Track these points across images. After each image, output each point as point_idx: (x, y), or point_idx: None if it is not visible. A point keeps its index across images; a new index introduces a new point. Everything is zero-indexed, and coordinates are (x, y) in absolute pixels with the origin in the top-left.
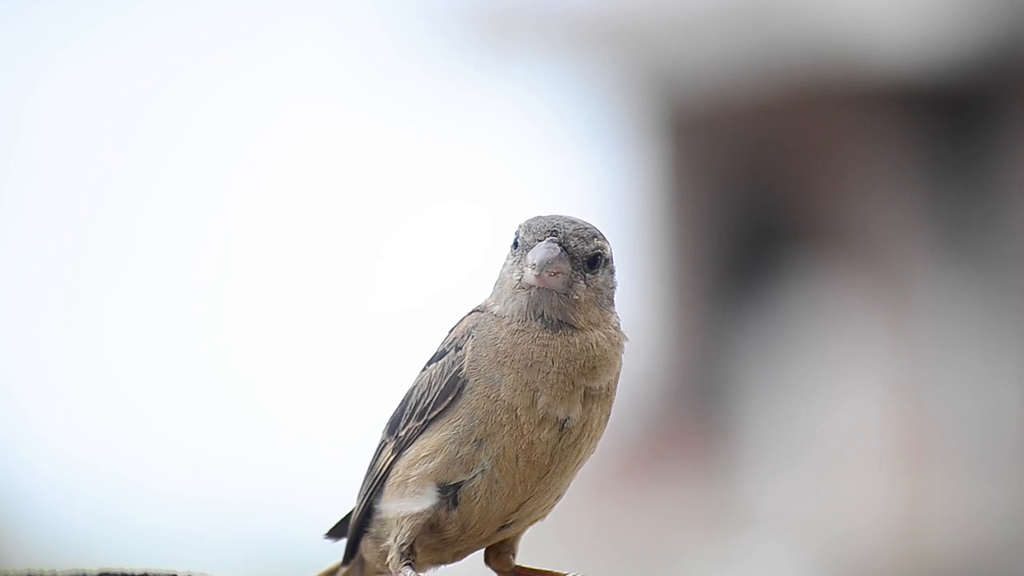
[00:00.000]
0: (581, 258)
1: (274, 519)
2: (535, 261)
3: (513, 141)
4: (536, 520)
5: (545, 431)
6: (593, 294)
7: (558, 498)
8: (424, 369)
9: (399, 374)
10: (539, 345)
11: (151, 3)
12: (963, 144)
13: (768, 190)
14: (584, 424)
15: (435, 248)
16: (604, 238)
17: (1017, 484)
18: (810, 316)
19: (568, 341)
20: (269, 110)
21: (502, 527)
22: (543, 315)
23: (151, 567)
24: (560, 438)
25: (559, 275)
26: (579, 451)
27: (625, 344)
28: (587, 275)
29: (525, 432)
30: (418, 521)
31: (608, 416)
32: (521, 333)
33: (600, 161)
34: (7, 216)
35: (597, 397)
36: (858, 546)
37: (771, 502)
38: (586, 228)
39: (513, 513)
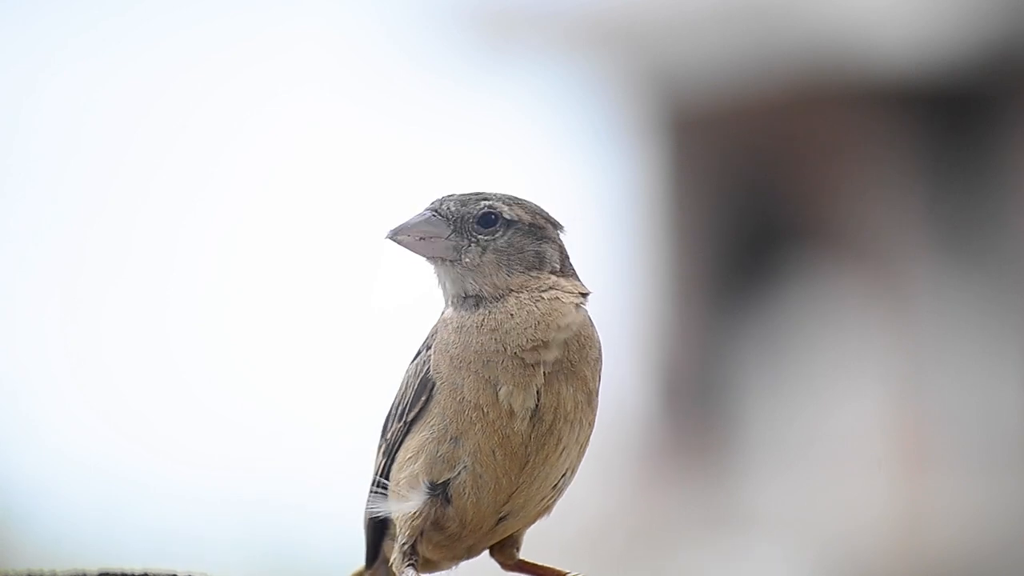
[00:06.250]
0: (465, 220)
1: (275, 518)
2: (392, 227)
3: (513, 141)
4: (538, 514)
5: (516, 423)
6: (494, 256)
7: (556, 488)
8: (406, 370)
9: (398, 373)
10: (486, 334)
11: (150, 3)
12: (963, 144)
13: (768, 190)
14: (555, 408)
15: None
16: (510, 202)
17: (1017, 484)
18: (810, 316)
19: (507, 314)
20: (269, 110)
21: (501, 519)
22: (450, 291)
23: (151, 567)
24: (533, 427)
25: (429, 240)
26: (558, 438)
27: (578, 304)
28: (480, 237)
29: (497, 427)
30: (416, 522)
31: (589, 398)
32: (464, 331)
33: (600, 161)
34: (7, 216)
35: (562, 374)
36: (858, 546)
37: (771, 502)
38: (476, 193)
39: (504, 505)
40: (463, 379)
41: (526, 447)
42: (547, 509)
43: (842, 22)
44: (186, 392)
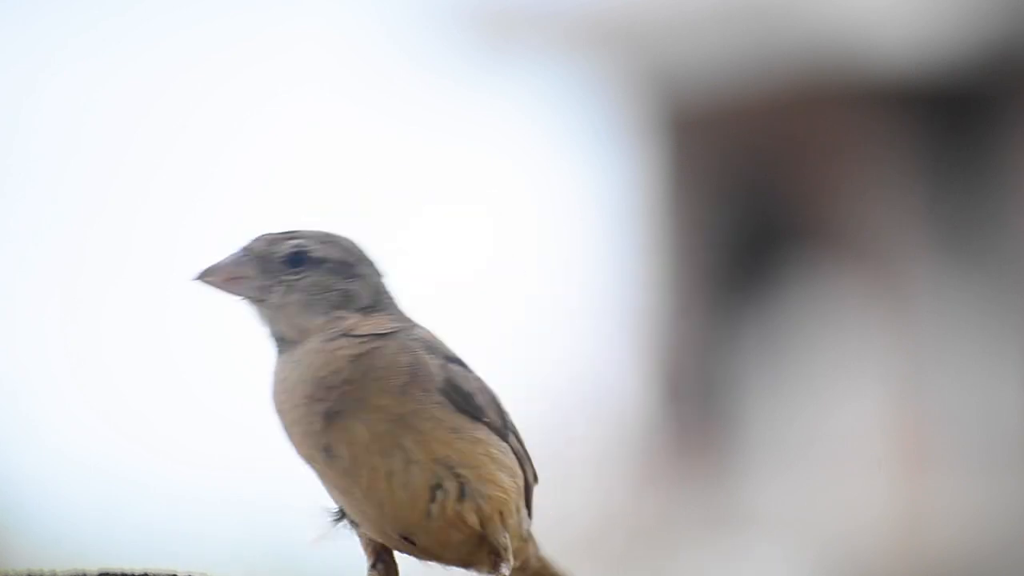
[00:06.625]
0: (272, 260)
1: (276, 518)
2: (201, 268)
3: (513, 141)
4: (452, 522)
5: (317, 464)
6: (298, 296)
7: (439, 503)
8: None
9: None
10: (278, 382)
11: (150, 3)
12: (963, 144)
13: (768, 190)
14: (348, 444)
15: (435, 249)
16: (321, 240)
17: (1017, 484)
18: (810, 316)
19: (295, 363)
20: (269, 110)
21: (407, 540)
22: (266, 331)
23: (151, 567)
24: (332, 466)
25: (238, 280)
26: (371, 468)
27: (361, 353)
28: (286, 277)
29: (312, 466)
30: (362, 545)
31: (401, 418)
32: (273, 375)
33: (600, 161)
34: (7, 216)
35: (348, 413)
36: (857, 546)
37: (771, 502)
38: (288, 232)
39: (391, 527)
40: (279, 422)
41: (344, 481)
42: (461, 518)
43: (842, 22)
44: (186, 392)
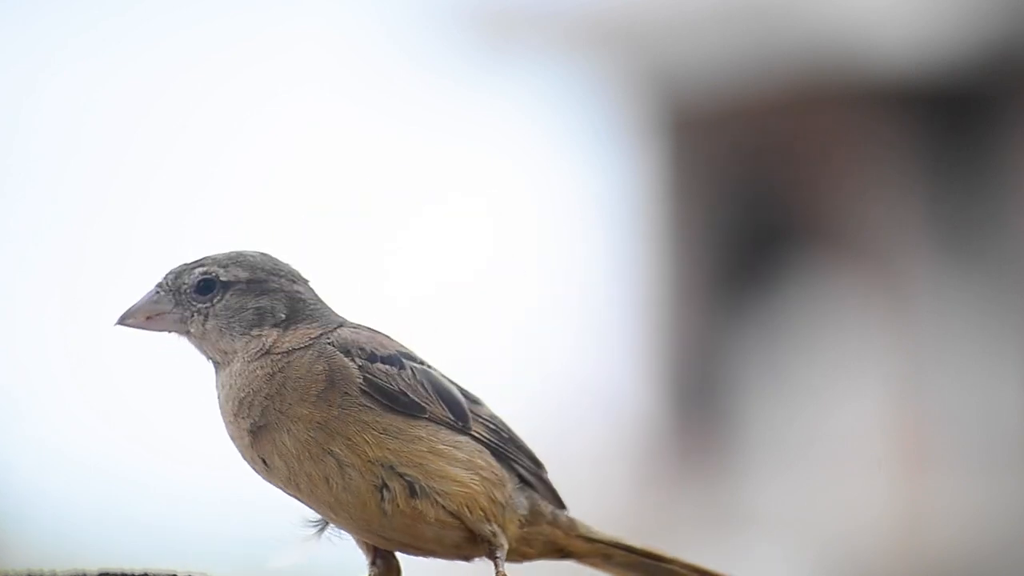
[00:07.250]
0: (183, 291)
1: (277, 518)
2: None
3: (513, 141)
4: (413, 518)
5: (259, 472)
6: (214, 321)
7: (390, 499)
8: None
9: None
10: (217, 399)
11: (150, 3)
12: (964, 144)
13: (768, 190)
14: (281, 455)
15: (435, 249)
16: (228, 263)
17: (1017, 484)
18: (810, 316)
19: (221, 384)
20: (269, 110)
21: (387, 539)
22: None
23: (151, 567)
24: (271, 474)
25: (159, 317)
26: (308, 475)
27: (276, 370)
28: (200, 305)
29: (253, 469)
30: (356, 544)
31: (326, 423)
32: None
33: (600, 161)
34: (7, 216)
35: (272, 428)
36: (857, 546)
37: (771, 502)
38: (196, 261)
39: (365, 530)
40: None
41: (288, 487)
42: (419, 513)
43: (842, 22)
44: (186, 392)
